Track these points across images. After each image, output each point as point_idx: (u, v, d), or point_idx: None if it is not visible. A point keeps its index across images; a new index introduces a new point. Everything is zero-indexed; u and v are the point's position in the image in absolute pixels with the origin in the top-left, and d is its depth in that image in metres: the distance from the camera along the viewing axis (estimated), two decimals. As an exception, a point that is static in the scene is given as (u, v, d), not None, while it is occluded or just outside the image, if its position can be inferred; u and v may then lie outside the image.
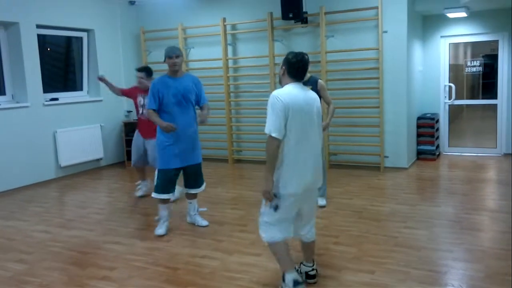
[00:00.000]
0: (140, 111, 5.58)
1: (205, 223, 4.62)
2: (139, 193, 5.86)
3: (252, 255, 3.83)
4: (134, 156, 5.67)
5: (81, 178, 7.21)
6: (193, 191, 4.60)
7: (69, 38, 7.77)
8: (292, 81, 3.05)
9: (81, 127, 7.50)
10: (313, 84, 4.99)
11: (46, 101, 7.06)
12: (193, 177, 4.53)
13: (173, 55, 4.30)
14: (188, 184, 4.56)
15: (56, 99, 7.28)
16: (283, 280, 3.07)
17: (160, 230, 4.41)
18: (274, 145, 2.97)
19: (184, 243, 4.20)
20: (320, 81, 5.01)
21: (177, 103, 4.28)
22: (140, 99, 5.56)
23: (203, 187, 4.66)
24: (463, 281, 3.24)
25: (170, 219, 4.57)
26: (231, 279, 3.41)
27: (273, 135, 2.95)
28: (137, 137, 5.64)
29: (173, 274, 3.56)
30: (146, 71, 5.56)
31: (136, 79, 5.60)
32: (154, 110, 4.27)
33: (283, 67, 3.07)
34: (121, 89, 6.03)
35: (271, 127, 2.97)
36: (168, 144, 4.29)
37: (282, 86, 3.09)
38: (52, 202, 5.98)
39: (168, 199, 4.49)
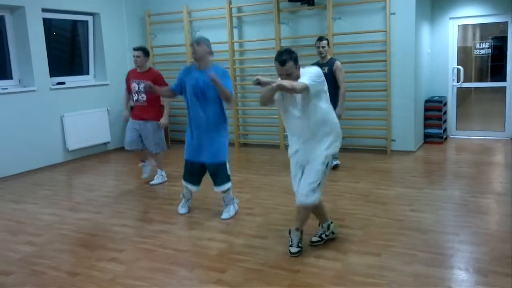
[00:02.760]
0: (136, 97, 5.44)
1: (224, 216, 4.38)
2: (144, 175, 5.81)
3: (258, 238, 3.86)
4: (127, 139, 5.55)
5: (88, 161, 7.26)
6: (214, 188, 4.40)
7: (74, 22, 7.75)
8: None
9: (88, 111, 7.53)
10: (330, 65, 5.46)
11: (53, 85, 7.08)
12: (211, 175, 4.35)
13: (193, 42, 4.13)
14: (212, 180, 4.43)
15: (63, 83, 7.29)
16: (328, 228, 3.63)
17: (182, 209, 4.57)
18: (304, 90, 3.20)
19: (191, 225, 4.23)
20: (337, 62, 5.67)
21: (194, 95, 4.16)
22: (135, 85, 5.42)
23: (223, 187, 4.32)
24: (469, 263, 3.25)
25: (191, 201, 4.66)
26: (238, 261, 3.44)
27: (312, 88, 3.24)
28: (131, 122, 5.52)
29: (181, 256, 3.60)
30: (144, 50, 5.42)
31: (133, 59, 5.43)
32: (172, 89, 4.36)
33: (299, 64, 3.32)
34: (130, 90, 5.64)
35: (312, 82, 3.23)
36: (187, 134, 4.35)
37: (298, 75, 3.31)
38: (60, 185, 6.03)
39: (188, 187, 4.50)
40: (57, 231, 4.25)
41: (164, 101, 5.54)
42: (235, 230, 4.06)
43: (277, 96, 3.37)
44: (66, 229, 4.31)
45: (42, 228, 4.35)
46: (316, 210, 3.60)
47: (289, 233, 3.57)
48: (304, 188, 3.37)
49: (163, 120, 5.49)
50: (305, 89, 3.18)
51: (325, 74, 5.78)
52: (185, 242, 3.88)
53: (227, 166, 4.33)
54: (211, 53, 4.20)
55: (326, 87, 3.37)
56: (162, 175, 5.80)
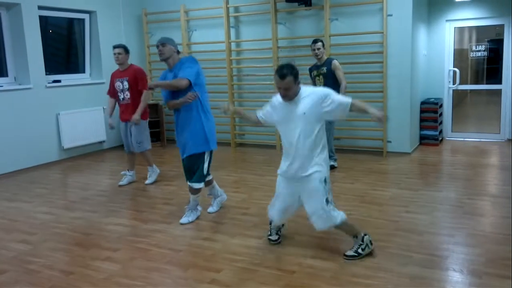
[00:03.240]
0: (121, 96, 5.44)
1: (183, 220, 4.30)
2: (123, 181, 5.71)
3: (254, 238, 3.85)
4: (124, 143, 5.68)
5: (84, 160, 7.23)
6: (188, 182, 4.31)
7: (71, 20, 7.71)
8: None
9: (84, 110, 7.50)
10: (328, 65, 5.51)
11: (48, 83, 7.05)
12: (186, 171, 4.31)
13: (158, 44, 4.13)
14: None
15: (59, 81, 7.26)
16: (362, 240, 3.41)
17: (210, 208, 4.58)
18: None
19: (186, 225, 4.22)
20: (335, 61, 5.75)
21: (170, 94, 4.15)
22: (119, 84, 5.43)
23: (194, 184, 4.21)
24: (464, 265, 3.25)
25: (219, 198, 4.66)
26: (233, 261, 3.43)
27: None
28: (122, 125, 5.57)
29: (176, 255, 3.59)
30: (124, 47, 5.45)
31: (115, 58, 5.44)
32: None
33: (298, 80, 3.27)
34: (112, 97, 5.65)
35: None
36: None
37: (294, 96, 3.31)
38: (55, 184, 6.00)
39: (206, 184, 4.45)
40: (51, 230, 4.23)
41: (143, 97, 5.42)
42: (230, 230, 4.05)
43: (266, 117, 3.52)
44: (60, 227, 4.29)
45: (37, 227, 4.33)
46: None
47: (270, 223, 3.68)
48: (313, 214, 3.32)
49: (135, 116, 5.35)
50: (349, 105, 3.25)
51: (324, 74, 5.83)
52: (180, 241, 3.87)
53: (204, 166, 4.22)
54: (177, 51, 4.19)
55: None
56: (154, 171, 5.78)
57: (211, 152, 4.30)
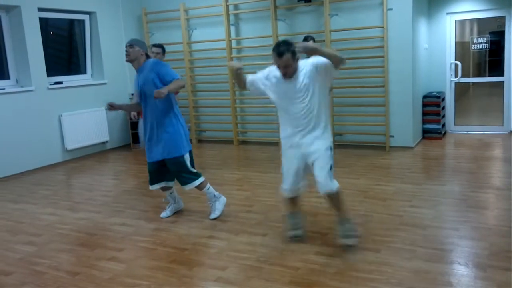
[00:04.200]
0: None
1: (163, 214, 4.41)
2: None
3: (258, 235, 3.86)
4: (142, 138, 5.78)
5: (87, 161, 7.25)
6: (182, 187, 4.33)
7: (71, 21, 7.72)
8: None
9: (86, 110, 7.52)
10: None
11: (50, 84, 7.07)
12: (173, 173, 4.26)
13: (126, 44, 4.04)
14: None
15: (60, 82, 7.28)
16: (349, 222, 3.49)
17: (163, 213, 4.46)
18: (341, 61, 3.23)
19: (190, 224, 4.23)
20: None
21: (140, 97, 4.10)
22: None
23: (194, 183, 4.21)
24: (468, 258, 3.25)
25: (175, 204, 4.51)
26: (238, 258, 3.44)
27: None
28: (141, 121, 5.74)
29: (180, 254, 3.60)
30: (163, 47, 5.63)
31: (153, 55, 5.54)
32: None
33: (297, 56, 3.28)
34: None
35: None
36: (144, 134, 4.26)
37: (295, 73, 3.33)
38: (59, 185, 6.02)
39: (164, 189, 4.38)
40: (56, 231, 4.25)
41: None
42: (234, 228, 4.06)
43: (256, 86, 3.53)
44: (65, 228, 4.31)
45: (42, 228, 4.35)
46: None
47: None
48: (320, 174, 3.31)
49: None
50: (342, 60, 3.19)
51: None
52: (184, 240, 3.88)
53: (188, 164, 4.18)
54: (145, 54, 4.08)
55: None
56: None
57: (189, 152, 4.23)
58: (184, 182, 4.21)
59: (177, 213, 4.51)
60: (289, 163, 3.50)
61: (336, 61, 3.17)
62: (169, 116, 4.08)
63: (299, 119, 3.36)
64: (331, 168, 3.35)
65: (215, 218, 4.26)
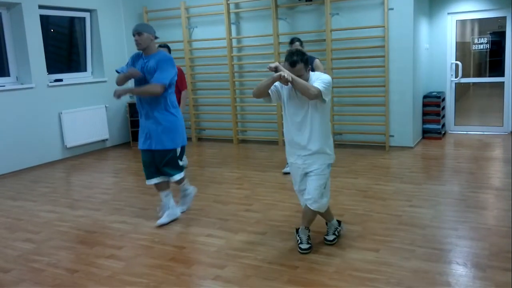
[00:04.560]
0: None
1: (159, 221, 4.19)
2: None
3: (257, 234, 3.86)
4: None
5: (87, 158, 7.25)
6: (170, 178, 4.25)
7: (72, 19, 7.72)
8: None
9: (86, 108, 7.51)
10: (310, 64, 5.24)
11: (50, 82, 7.06)
12: (159, 165, 4.15)
13: (134, 33, 3.91)
14: None
15: (61, 80, 7.28)
16: (339, 225, 3.70)
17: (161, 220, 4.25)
18: (316, 96, 3.19)
19: (189, 222, 4.23)
20: (316, 60, 5.24)
21: (138, 81, 4.01)
22: None
23: (176, 177, 4.16)
24: (467, 258, 3.25)
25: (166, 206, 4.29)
26: (237, 257, 3.44)
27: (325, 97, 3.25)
28: None
29: (179, 252, 3.60)
30: (168, 47, 5.66)
31: None
32: (118, 72, 4.11)
33: (308, 67, 3.28)
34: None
35: (325, 90, 3.23)
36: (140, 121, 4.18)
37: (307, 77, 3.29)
38: (58, 182, 6.02)
39: (156, 185, 4.24)
40: (55, 228, 4.25)
41: (182, 96, 5.80)
42: (233, 227, 4.06)
43: (274, 92, 3.34)
44: (64, 226, 4.31)
45: (41, 225, 4.35)
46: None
47: (297, 232, 3.57)
48: (313, 192, 3.34)
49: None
50: (318, 95, 3.16)
51: None
52: (183, 238, 3.88)
53: (177, 157, 4.15)
54: (154, 38, 3.98)
55: (329, 97, 3.33)
56: (185, 160, 6.20)
57: (182, 147, 4.25)
58: (170, 173, 4.15)
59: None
60: (293, 176, 3.52)
61: (304, 94, 3.17)
62: (163, 106, 3.99)
63: (300, 133, 3.32)
64: (325, 186, 3.38)
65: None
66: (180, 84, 5.62)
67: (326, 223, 3.68)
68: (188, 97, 6.70)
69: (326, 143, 3.39)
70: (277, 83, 3.30)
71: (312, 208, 3.38)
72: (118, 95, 3.90)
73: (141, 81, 4.02)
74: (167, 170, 4.13)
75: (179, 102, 5.67)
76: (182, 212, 4.39)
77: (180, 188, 4.41)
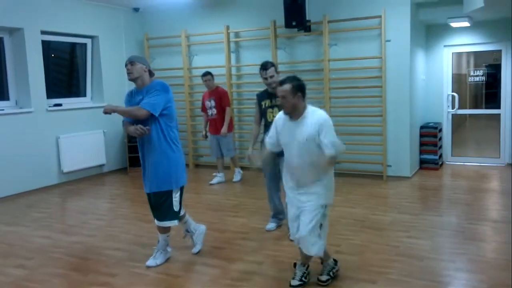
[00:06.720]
0: (209, 113, 6.66)
1: (150, 262, 3.84)
2: (213, 181, 6.85)
3: (253, 263, 3.81)
4: (212, 151, 6.91)
5: (83, 184, 7.21)
6: (156, 221, 3.85)
7: (73, 45, 7.81)
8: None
9: (84, 133, 7.52)
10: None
11: (49, 106, 7.09)
12: (152, 207, 3.85)
13: (127, 63, 3.67)
14: None
15: (60, 104, 7.30)
16: (335, 264, 3.51)
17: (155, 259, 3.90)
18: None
19: (184, 250, 4.17)
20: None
21: (135, 120, 3.63)
22: (207, 103, 6.64)
23: (166, 223, 3.76)
24: (465, 291, 3.21)
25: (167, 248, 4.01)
26: (232, 286, 3.39)
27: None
28: (210, 137, 6.77)
29: (174, 281, 3.55)
30: (211, 74, 6.60)
31: (204, 83, 6.64)
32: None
33: (299, 94, 3.16)
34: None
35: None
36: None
37: (294, 111, 3.21)
38: (53, 207, 5.97)
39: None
40: (49, 255, 4.19)
41: (227, 113, 6.60)
42: (229, 255, 4.01)
43: (276, 137, 3.36)
44: (58, 252, 4.25)
45: (34, 251, 4.29)
46: None
47: (294, 266, 3.45)
48: (305, 228, 3.17)
49: (223, 130, 6.55)
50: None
51: (280, 107, 4.79)
52: (178, 266, 3.83)
53: (174, 203, 3.73)
54: (149, 71, 3.70)
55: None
56: (239, 172, 7.08)
57: (181, 188, 3.81)
58: (160, 218, 3.77)
59: (171, 239, 4.41)
60: (289, 207, 3.37)
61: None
62: (161, 143, 3.64)
63: (296, 168, 3.25)
64: (320, 226, 3.23)
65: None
66: (224, 102, 6.57)
67: (322, 262, 3.49)
68: (231, 115, 7.01)
69: (328, 185, 3.29)
70: (273, 128, 3.36)
71: (304, 251, 3.29)
72: (105, 111, 3.60)
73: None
74: (157, 214, 3.78)
75: (223, 121, 6.56)
76: (196, 253, 4.07)
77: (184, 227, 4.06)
